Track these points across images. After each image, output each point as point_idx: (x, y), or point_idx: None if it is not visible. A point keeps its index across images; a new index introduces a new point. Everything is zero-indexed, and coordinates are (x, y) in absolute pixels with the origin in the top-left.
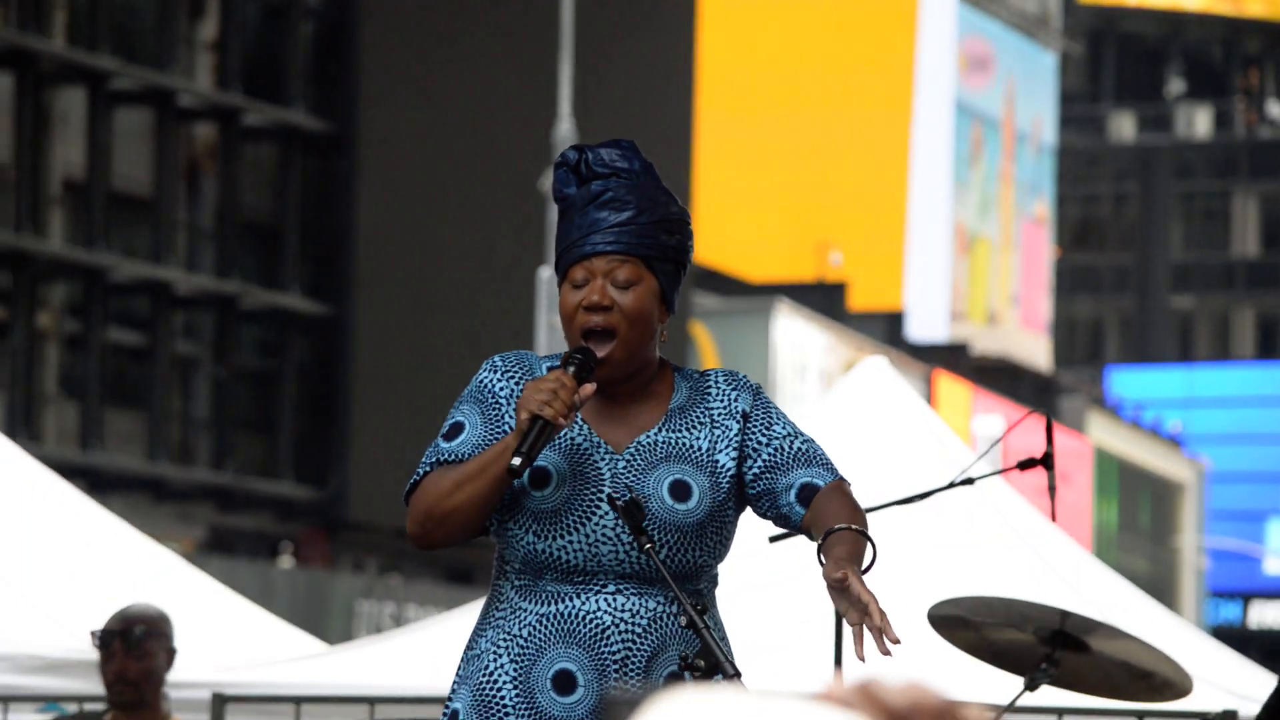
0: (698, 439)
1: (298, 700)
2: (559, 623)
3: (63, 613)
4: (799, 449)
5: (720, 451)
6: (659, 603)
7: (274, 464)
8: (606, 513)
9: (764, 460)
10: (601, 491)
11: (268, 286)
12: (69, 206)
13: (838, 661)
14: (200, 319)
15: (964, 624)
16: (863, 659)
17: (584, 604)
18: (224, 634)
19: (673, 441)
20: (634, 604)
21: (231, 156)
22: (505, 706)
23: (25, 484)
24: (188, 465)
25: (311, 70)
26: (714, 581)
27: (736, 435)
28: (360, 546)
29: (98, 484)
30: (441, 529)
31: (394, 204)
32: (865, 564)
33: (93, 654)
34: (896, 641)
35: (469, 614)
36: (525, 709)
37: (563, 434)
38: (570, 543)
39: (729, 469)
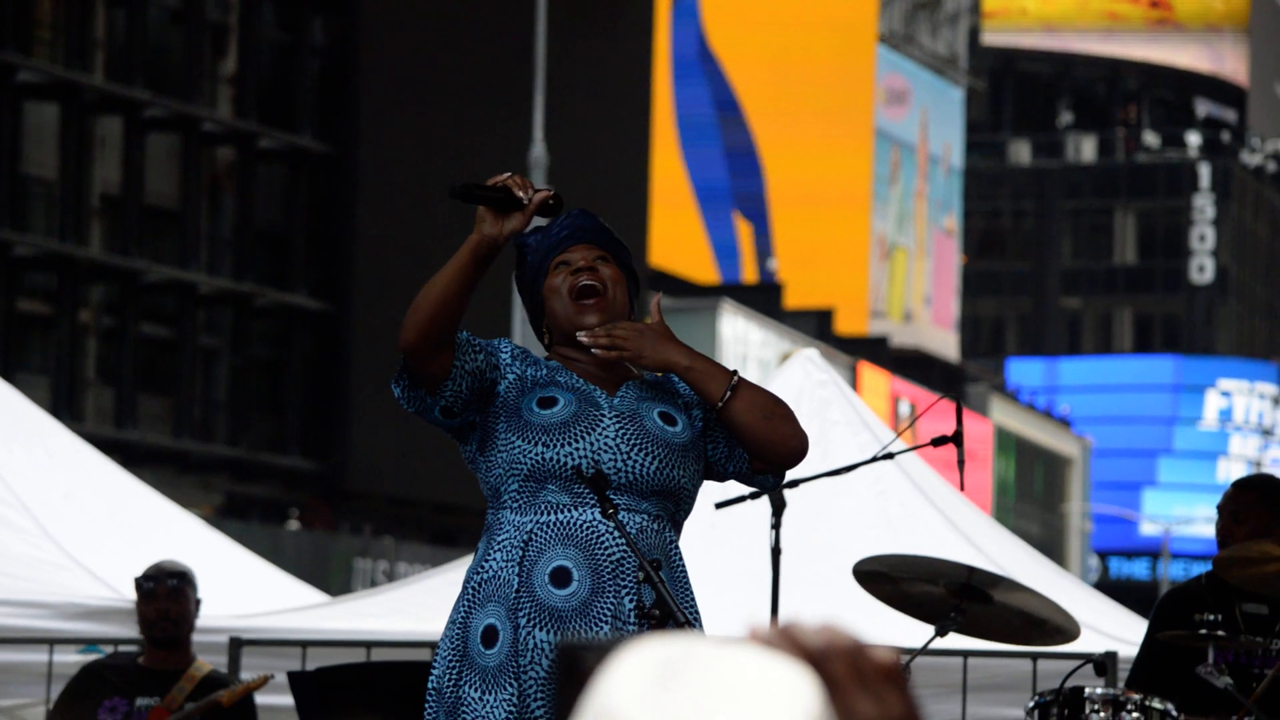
0: (672, 393)
1: (304, 644)
2: (557, 529)
3: (100, 568)
4: None
5: (694, 406)
6: (644, 519)
7: (283, 440)
8: (608, 426)
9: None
10: (602, 412)
11: (279, 287)
12: (107, 218)
13: (774, 611)
14: (220, 315)
15: (884, 578)
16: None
17: (580, 514)
18: (239, 587)
19: (653, 390)
20: (624, 517)
21: (248, 175)
22: (509, 598)
23: (69, 457)
24: (208, 441)
25: (318, 101)
26: (679, 529)
27: (699, 403)
28: (358, 512)
29: (131, 457)
30: (414, 316)
31: (389, 216)
32: (719, 389)
33: (126, 603)
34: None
35: (452, 570)
36: (528, 601)
37: (564, 383)
38: (576, 449)
39: (699, 416)
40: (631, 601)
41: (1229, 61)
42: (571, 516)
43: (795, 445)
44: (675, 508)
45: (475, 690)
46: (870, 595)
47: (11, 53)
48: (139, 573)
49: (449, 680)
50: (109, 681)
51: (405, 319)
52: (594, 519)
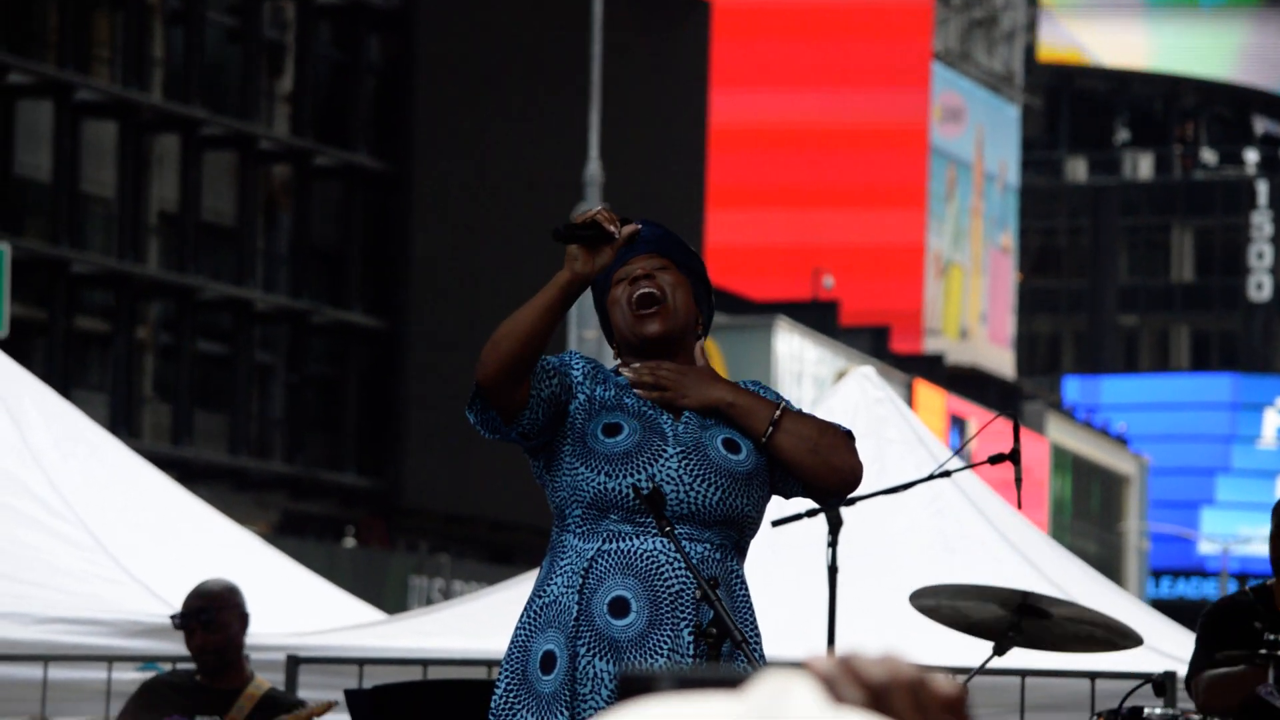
0: None
1: (361, 662)
2: (618, 558)
3: (158, 584)
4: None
5: None
6: (707, 548)
7: (339, 458)
8: (671, 456)
9: None
10: (667, 442)
11: (334, 305)
12: (164, 235)
13: (830, 629)
14: (276, 332)
15: (941, 605)
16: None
17: (642, 543)
18: (296, 604)
19: (717, 412)
20: (686, 547)
21: (304, 193)
22: (568, 625)
23: (126, 473)
24: (265, 458)
25: (374, 118)
26: (744, 553)
27: None
28: (413, 530)
29: (187, 474)
30: (494, 351)
31: (444, 233)
32: (761, 426)
33: None
34: (651, 376)
35: (508, 588)
36: (587, 630)
37: (629, 407)
38: (638, 481)
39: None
40: (690, 634)
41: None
42: (633, 545)
43: (845, 477)
44: (740, 535)
45: (531, 715)
46: (928, 618)
47: (70, 72)
48: (185, 595)
49: (505, 703)
50: (169, 699)
51: (485, 353)
52: (655, 549)
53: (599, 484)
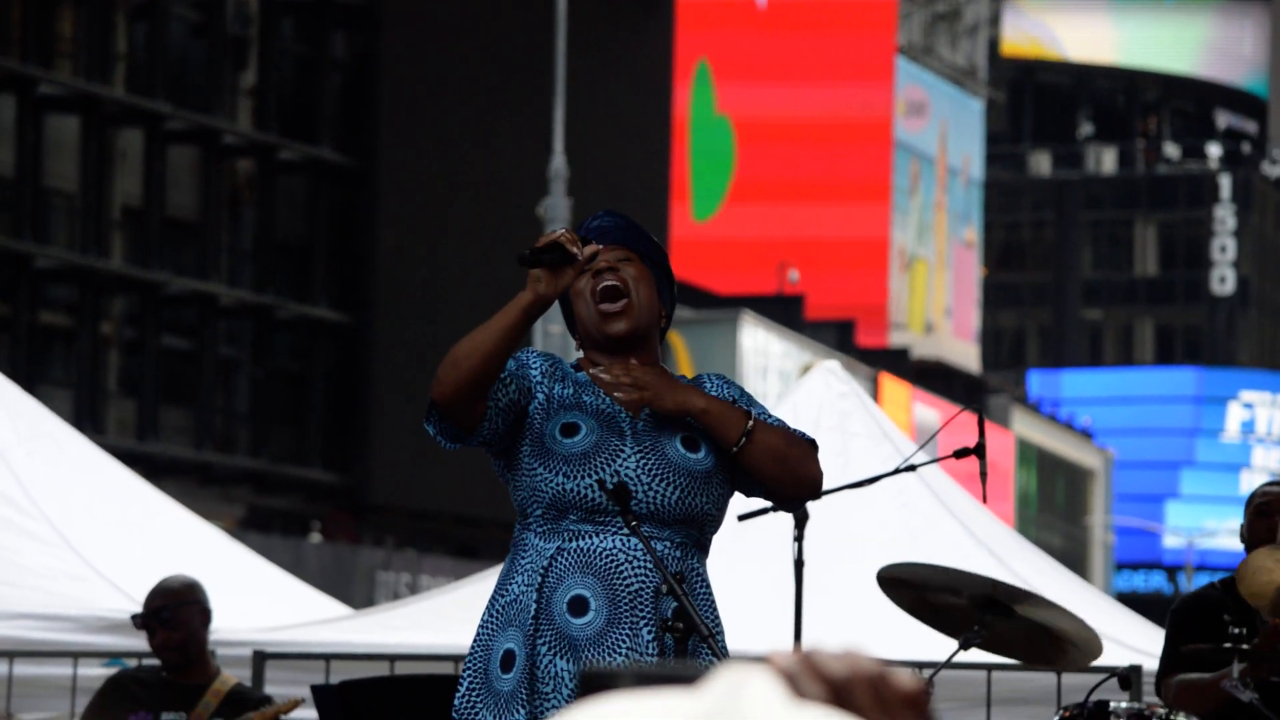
0: None
1: (328, 657)
2: (577, 556)
3: (124, 580)
4: (773, 422)
5: None
6: (667, 545)
7: (305, 453)
8: (629, 456)
9: None
10: (624, 441)
11: (299, 300)
12: (128, 230)
13: (797, 623)
14: (241, 327)
15: (908, 585)
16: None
17: (601, 541)
18: (262, 600)
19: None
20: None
21: (269, 187)
22: (528, 626)
23: (90, 469)
24: (230, 453)
25: (339, 113)
26: (705, 550)
27: None
28: (380, 525)
29: (152, 470)
30: (453, 371)
31: (410, 228)
32: (734, 436)
33: None
34: (628, 379)
35: (474, 583)
36: (547, 630)
37: (588, 405)
38: (597, 482)
39: None
40: (650, 633)
41: (1249, 32)
42: (593, 544)
43: (809, 485)
44: (700, 533)
45: (491, 714)
46: (893, 603)
47: (33, 65)
48: (148, 591)
49: (467, 703)
50: (135, 695)
51: (442, 372)
52: (615, 547)
53: (557, 485)
